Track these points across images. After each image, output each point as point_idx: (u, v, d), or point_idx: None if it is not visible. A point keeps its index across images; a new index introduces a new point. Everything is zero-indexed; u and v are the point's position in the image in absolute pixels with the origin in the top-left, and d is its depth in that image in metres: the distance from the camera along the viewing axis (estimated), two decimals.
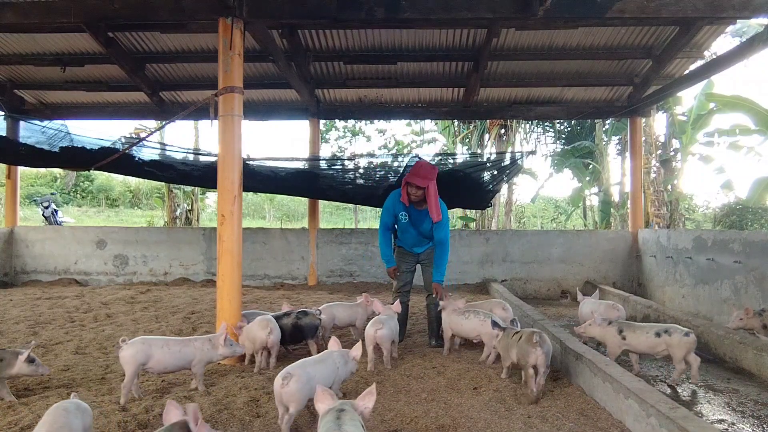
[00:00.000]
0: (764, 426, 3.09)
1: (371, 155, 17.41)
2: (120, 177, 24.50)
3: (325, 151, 20.26)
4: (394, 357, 4.21)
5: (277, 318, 4.13)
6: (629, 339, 3.89)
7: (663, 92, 7.20)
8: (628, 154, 9.51)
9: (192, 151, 8.84)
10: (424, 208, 4.69)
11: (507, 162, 8.22)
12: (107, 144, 7.10)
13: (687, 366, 3.74)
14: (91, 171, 8.43)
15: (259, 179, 7.62)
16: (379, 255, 8.28)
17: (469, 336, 4.28)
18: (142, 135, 11.89)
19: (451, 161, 8.80)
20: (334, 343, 3.26)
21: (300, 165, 8.00)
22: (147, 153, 7.49)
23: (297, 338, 4.18)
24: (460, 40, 6.80)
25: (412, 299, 5.42)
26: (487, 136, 15.74)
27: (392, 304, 4.76)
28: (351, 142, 22.50)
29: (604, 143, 14.56)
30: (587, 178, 15.31)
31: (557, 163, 15.74)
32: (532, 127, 16.33)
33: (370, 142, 22.84)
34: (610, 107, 8.24)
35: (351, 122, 21.19)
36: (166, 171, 7.80)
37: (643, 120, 9.24)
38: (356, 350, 3.27)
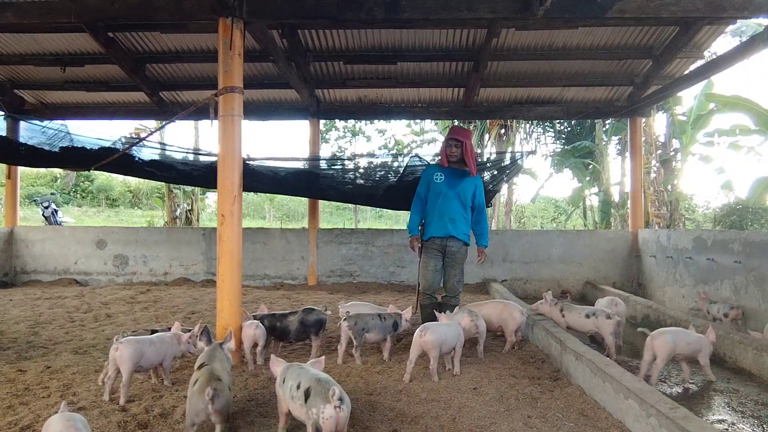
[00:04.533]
0: (764, 426, 3.09)
1: (371, 155, 17.41)
2: (120, 177, 24.52)
3: (325, 151, 20.29)
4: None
5: (283, 316, 4.17)
6: (567, 317, 4.51)
7: (663, 92, 7.20)
8: (628, 154, 9.51)
9: (192, 151, 8.82)
10: (462, 168, 4.82)
11: (507, 162, 8.21)
12: (107, 144, 7.09)
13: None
14: (91, 171, 8.42)
15: (259, 179, 7.62)
16: (378, 255, 8.39)
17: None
18: (142, 135, 11.90)
19: None
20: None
21: (300, 165, 8.00)
22: (147, 153, 7.48)
23: (302, 335, 4.19)
24: (460, 40, 6.80)
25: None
26: (487, 136, 15.77)
27: (416, 305, 4.92)
28: (351, 142, 22.54)
29: (604, 143, 14.56)
30: (587, 178, 15.30)
31: (557, 163, 15.74)
32: (532, 127, 16.34)
33: (370, 142, 22.90)
34: (610, 107, 8.24)
35: (351, 122, 21.22)
36: (166, 171, 7.79)
37: (643, 120, 9.24)
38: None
